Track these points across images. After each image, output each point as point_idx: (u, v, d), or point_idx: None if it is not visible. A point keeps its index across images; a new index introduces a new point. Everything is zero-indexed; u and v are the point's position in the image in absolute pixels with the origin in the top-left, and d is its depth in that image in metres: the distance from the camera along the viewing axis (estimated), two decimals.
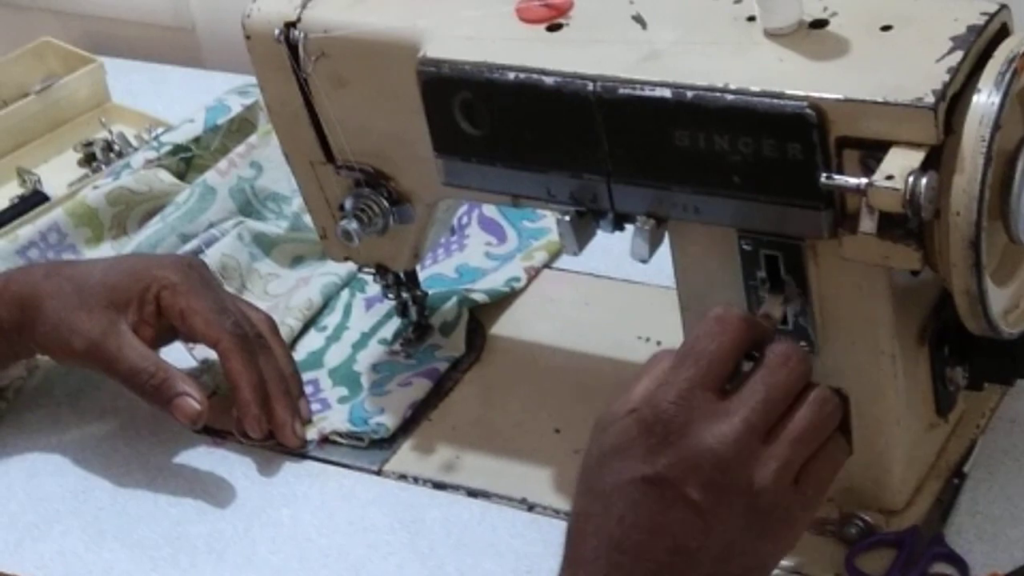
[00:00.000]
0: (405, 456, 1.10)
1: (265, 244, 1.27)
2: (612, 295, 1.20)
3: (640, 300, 1.18)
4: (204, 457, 1.12)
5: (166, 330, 1.12)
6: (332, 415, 1.13)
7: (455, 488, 1.07)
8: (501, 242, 1.26)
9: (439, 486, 1.07)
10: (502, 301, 1.20)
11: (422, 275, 1.17)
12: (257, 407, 1.09)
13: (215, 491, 1.09)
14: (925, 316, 0.95)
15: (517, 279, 1.22)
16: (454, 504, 1.05)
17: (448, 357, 1.15)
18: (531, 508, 1.04)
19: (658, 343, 1.12)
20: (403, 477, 1.08)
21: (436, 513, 1.05)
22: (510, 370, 1.16)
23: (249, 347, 1.10)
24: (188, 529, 1.07)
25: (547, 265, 1.23)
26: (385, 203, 1.06)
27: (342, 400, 1.14)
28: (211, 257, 1.23)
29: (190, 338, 1.13)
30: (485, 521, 1.04)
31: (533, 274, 1.23)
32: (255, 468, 1.10)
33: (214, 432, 1.13)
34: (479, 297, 1.19)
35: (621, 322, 1.17)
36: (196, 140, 1.36)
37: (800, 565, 0.96)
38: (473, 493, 1.06)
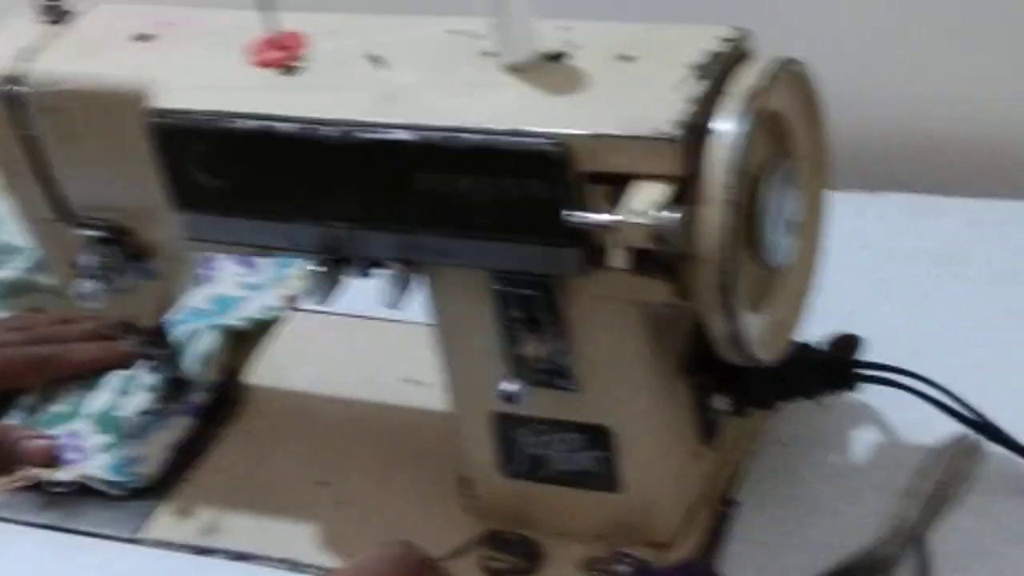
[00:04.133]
0: (162, 521, 1.05)
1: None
2: (371, 335, 1.17)
3: (401, 339, 1.14)
4: None
5: None
6: (91, 463, 1.08)
7: (217, 552, 1.02)
8: (252, 270, 1.22)
9: (200, 551, 1.02)
10: (258, 347, 1.17)
11: (176, 312, 1.13)
12: None
13: None
14: (683, 344, 0.93)
15: (275, 308, 1.18)
16: (216, 570, 1.01)
17: (205, 386, 1.11)
18: (296, 568, 1.00)
19: (418, 383, 1.10)
20: (160, 544, 1.03)
21: None
22: (270, 422, 1.12)
23: None
24: None
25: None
26: (124, 259, 1.01)
27: (103, 448, 1.09)
28: None
29: None
30: None
31: (289, 303, 1.19)
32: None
33: None
34: (238, 324, 1.16)
35: (382, 363, 1.14)
36: None
37: None
38: (236, 556, 1.02)
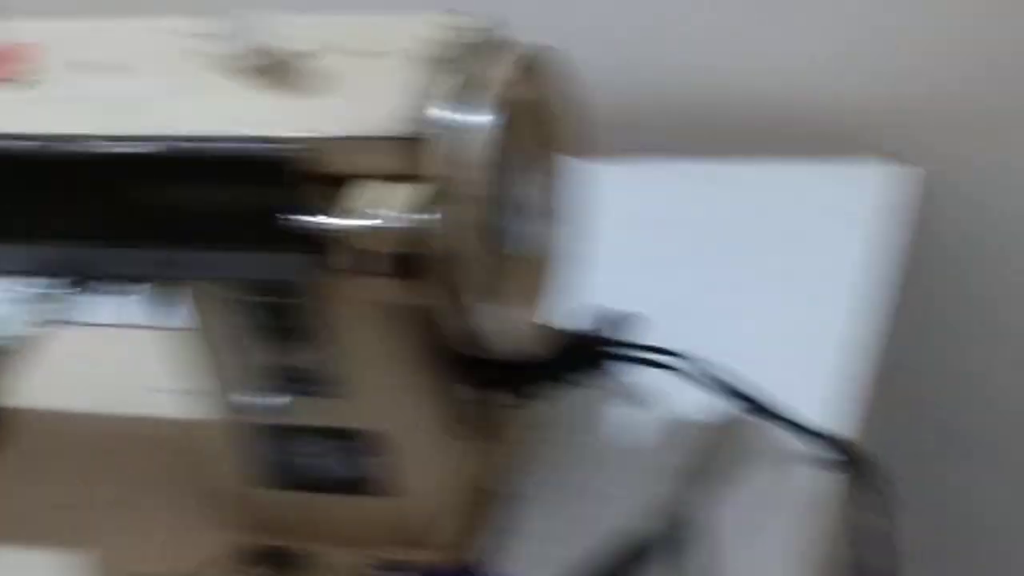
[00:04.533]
0: None
1: None
2: (114, 345, 1.12)
3: (146, 347, 1.07)
4: None
5: None
6: None
7: None
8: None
9: None
10: (10, 367, 1.12)
11: None
12: None
13: None
14: (439, 339, 0.92)
15: (27, 325, 1.14)
16: None
17: None
18: None
19: (187, 392, 1.06)
20: None
21: None
22: (29, 448, 1.08)
23: None
24: None
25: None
26: None
27: None
28: None
29: None
30: None
31: (42, 321, 1.14)
32: None
33: None
34: None
35: (127, 373, 1.09)
36: None
37: None
38: None
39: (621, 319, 1.00)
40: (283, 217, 0.80)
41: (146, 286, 0.88)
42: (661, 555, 0.91)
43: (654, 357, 0.97)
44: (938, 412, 1.35)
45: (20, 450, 1.07)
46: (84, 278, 0.89)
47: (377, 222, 0.78)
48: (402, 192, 0.79)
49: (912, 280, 1.14)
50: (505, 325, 0.86)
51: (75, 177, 0.85)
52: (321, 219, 0.79)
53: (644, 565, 0.91)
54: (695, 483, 0.94)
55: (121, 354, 1.11)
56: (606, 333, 0.99)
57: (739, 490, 0.94)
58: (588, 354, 0.97)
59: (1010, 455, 1.37)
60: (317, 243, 0.81)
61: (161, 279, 0.87)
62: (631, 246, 1.13)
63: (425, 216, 0.78)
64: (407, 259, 0.79)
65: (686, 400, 0.99)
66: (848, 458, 0.95)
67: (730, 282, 1.09)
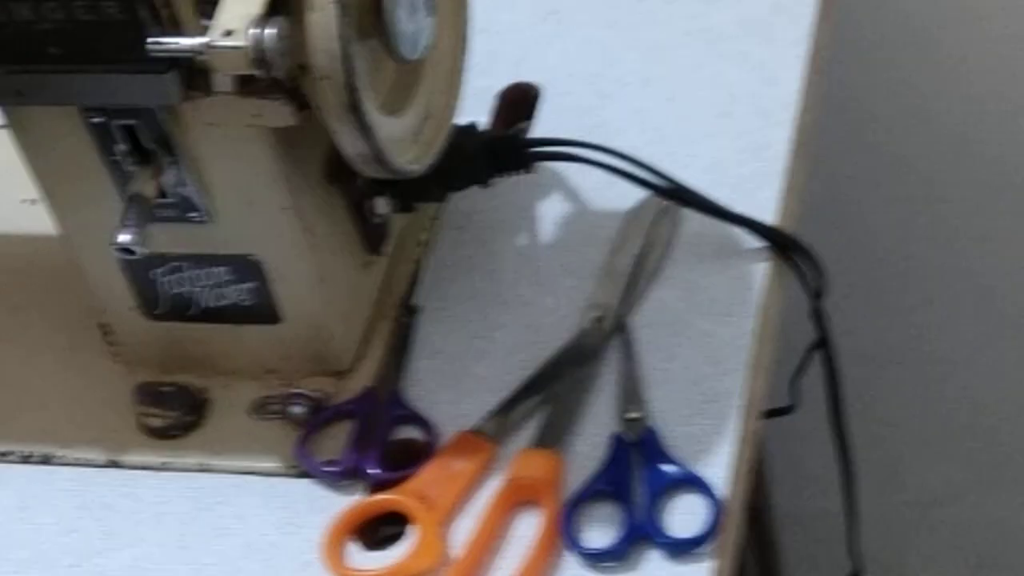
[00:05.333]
0: None
1: None
2: None
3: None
4: None
5: None
6: None
7: None
8: None
9: None
10: None
11: None
12: None
13: None
14: (328, 153, 0.80)
15: None
16: None
17: None
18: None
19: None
20: None
21: None
22: None
23: None
24: None
25: None
26: None
27: None
28: None
29: None
30: None
31: None
32: None
33: None
34: None
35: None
36: None
37: (248, 464, 0.83)
38: None
39: (532, 90, 0.90)
40: (130, 35, 0.68)
41: None
42: (583, 359, 0.83)
43: (569, 151, 0.86)
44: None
45: None
46: None
47: (232, 43, 0.65)
48: (256, 2, 0.66)
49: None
50: (410, 138, 0.75)
51: None
52: (173, 40, 0.67)
53: (567, 371, 0.82)
54: (625, 285, 0.84)
55: None
56: (521, 111, 0.88)
57: (670, 289, 0.85)
58: (501, 152, 0.85)
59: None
60: (174, 63, 0.69)
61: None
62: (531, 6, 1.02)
63: (283, 31, 0.66)
64: (262, 78, 0.67)
65: (604, 191, 0.89)
66: (776, 243, 0.86)
67: (652, 43, 0.99)
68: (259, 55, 0.65)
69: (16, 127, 0.78)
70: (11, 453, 0.86)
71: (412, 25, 0.73)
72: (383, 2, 0.71)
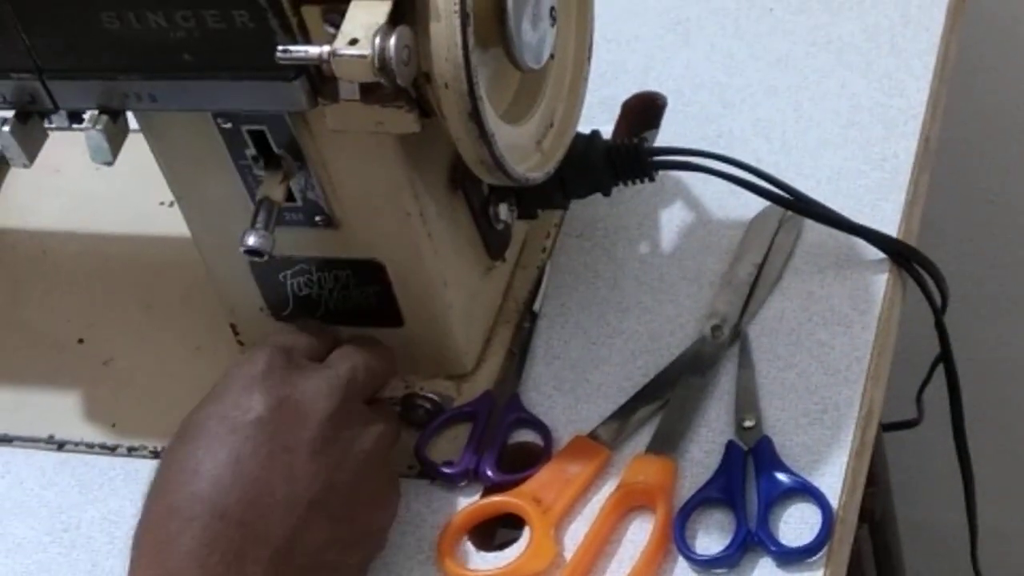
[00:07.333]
0: None
1: None
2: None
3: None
4: None
5: None
6: None
7: None
8: None
9: None
10: None
11: None
12: None
13: None
14: (451, 160, 0.82)
15: None
16: None
17: None
18: (62, 447, 0.90)
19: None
20: None
21: None
22: (11, 271, 0.99)
23: None
24: None
25: None
26: None
27: None
28: None
29: None
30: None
31: None
32: None
33: None
34: None
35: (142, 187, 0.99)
36: None
37: None
38: None
39: (659, 100, 0.91)
40: (260, 44, 0.70)
41: (105, 118, 0.77)
42: (700, 367, 0.83)
43: (692, 160, 0.86)
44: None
45: (13, 276, 0.99)
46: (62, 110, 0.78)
47: (356, 51, 0.67)
48: (383, 11, 0.68)
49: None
50: (531, 147, 0.76)
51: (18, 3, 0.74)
52: (299, 49, 0.68)
53: (684, 378, 0.83)
54: (745, 294, 0.85)
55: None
56: (647, 119, 0.89)
57: (789, 299, 0.85)
58: (623, 160, 0.86)
59: None
60: (302, 71, 0.71)
61: (134, 111, 0.77)
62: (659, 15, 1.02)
63: (404, 40, 0.67)
64: (386, 85, 0.69)
65: (726, 201, 0.89)
66: (897, 255, 0.86)
67: (778, 54, 0.99)
68: (383, 63, 0.66)
69: (149, 132, 0.80)
70: (143, 448, 0.89)
71: (535, 35, 0.74)
72: (506, 12, 0.72)
